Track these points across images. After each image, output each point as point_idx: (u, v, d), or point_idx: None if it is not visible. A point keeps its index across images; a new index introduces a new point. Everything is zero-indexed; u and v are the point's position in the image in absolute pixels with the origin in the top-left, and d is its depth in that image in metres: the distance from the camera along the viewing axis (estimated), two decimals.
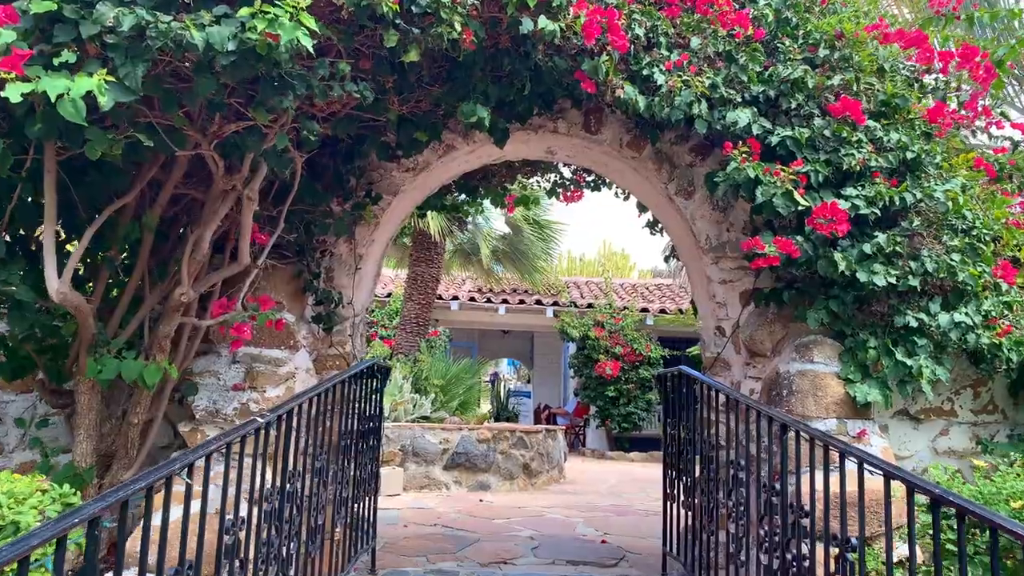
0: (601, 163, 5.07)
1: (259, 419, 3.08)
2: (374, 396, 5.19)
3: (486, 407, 26.74)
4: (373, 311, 16.53)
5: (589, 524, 7.13)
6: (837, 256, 3.93)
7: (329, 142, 4.63)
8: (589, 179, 6.18)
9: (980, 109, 4.87)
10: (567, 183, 6.32)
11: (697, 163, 4.80)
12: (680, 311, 17.14)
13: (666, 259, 6.46)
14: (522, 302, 17.10)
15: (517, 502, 8.49)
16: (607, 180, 6.00)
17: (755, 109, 4.24)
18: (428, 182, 5.11)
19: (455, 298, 16.98)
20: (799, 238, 4.00)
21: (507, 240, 12.70)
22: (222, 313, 3.57)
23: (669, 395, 5.17)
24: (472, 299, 17.04)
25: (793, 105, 4.25)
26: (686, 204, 4.78)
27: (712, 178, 4.51)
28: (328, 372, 4.90)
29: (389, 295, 16.47)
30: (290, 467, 3.58)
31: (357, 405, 4.80)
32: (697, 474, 4.69)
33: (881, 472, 2.96)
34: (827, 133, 4.18)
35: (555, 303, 17.19)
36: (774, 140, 4.15)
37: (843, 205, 3.90)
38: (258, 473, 3.18)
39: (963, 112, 4.81)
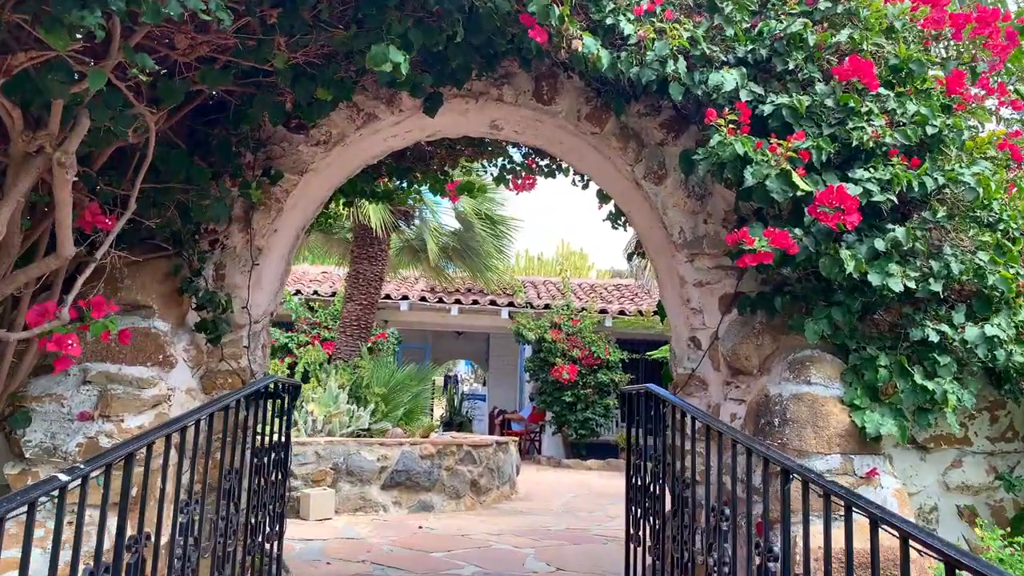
0: (555, 140, 4.23)
1: (61, 476, 2.16)
2: (278, 421, 4.28)
3: (439, 412, 25.87)
4: (316, 311, 15.51)
5: (541, 556, 6.29)
6: (845, 254, 3.14)
7: (215, 106, 3.71)
8: (542, 163, 5.34)
9: (995, 86, 4.16)
10: (517, 168, 5.47)
11: (669, 141, 3.99)
12: (640, 312, 16.45)
13: (629, 257, 5.69)
14: (475, 302, 16.23)
15: (462, 527, 7.63)
16: (563, 164, 5.17)
17: (743, 71, 3.44)
18: (346, 160, 4.22)
19: (405, 298, 16.04)
20: (797, 231, 3.20)
21: (457, 236, 11.81)
22: (41, 322, 2.64)
23: (634, 417, 4.36)
24: (423, 299, 16.11)
25: (790, 67, 3.45)
26: (656, 191, 3.97)
27: (688, 157, 3.70)
28: (220, 392, 3.99)
29: (334, 294, 15.46)
30: (133, 530, 2.66)
31: (251, 434, 3.89)
32: (667, 508, 3.89)
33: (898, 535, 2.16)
34: (829, 103, 3.40)
35: (510, 304, 16.36)
36: (766, 109, 3.34)
37: (853, 191, 3.11)
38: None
39: (973, 90, 4.09)
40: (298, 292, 16.18)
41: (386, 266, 11.12)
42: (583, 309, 16.26)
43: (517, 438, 17.38)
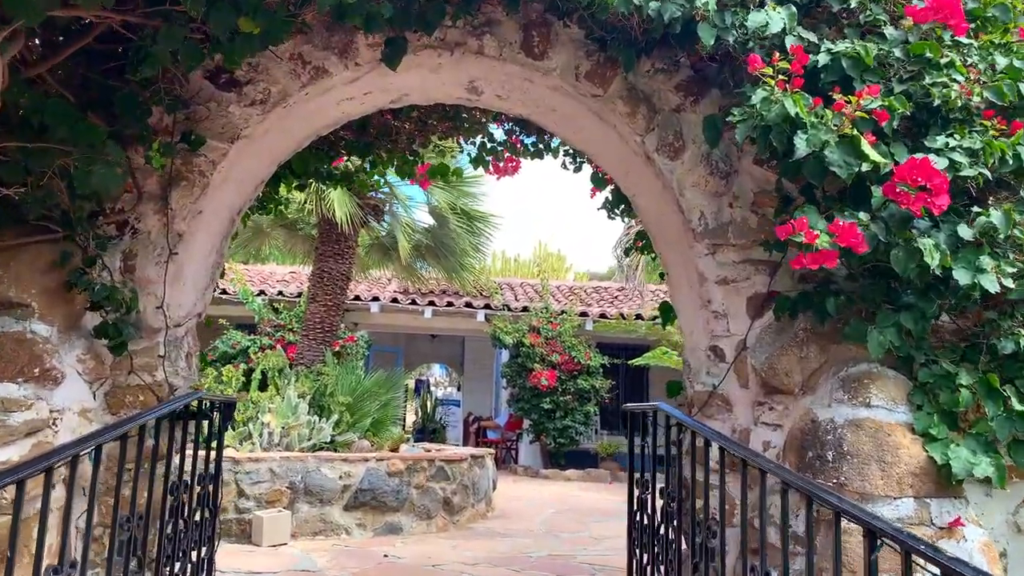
0: (547, 107, 3.48)
1: None
2: (205, 446, 3.50)
3: (412, 418, 25.04)
4: (280, 312, 14.64)
5: None
6: (926, 244, 2.43)
7: (118, 54, 2.92)
8: (528, 141, 4.59)
9: None
10: (498, 148, 4.72)
11: (687, 107, 3.26)
12: (622, 315, 15.78)
13: (626, 252, 4.94)
14: (450, 304, 15.44)
15: (432, 555, 6.85)
16: (552, 141, 4.43)
17: (792, 10, 2.71)
18: (290, 126, 3.43)
19: (375, 299, 15.21)
20: (862, 216, 2.48)
21: (431, 233, 11.01)
22: None
23: (640, 441, 3.64)
24: (395, 300, 15.29)
25: (852, 4, 2.73)
26: (671, 166, 3.24)
27: (714, 123, 2.98)
28: (129, 411, 3.20)
29: (300, 295, 14.58)
30: None
31: (165, 466, 3.10)
32: (681, 554, 3.17)
33: None
34: (898, 53, 2.69)
35: (487, 306, 15.59)
36: (821, 60, 2.62)
37: (939, 164, 2.40)
38: None
39: None
40: (262, 293, 15.31)
41: (353, 265, 10.31)
42: (563, 312, 15.55)
43: (493, 447, 16.62)
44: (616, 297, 18.41)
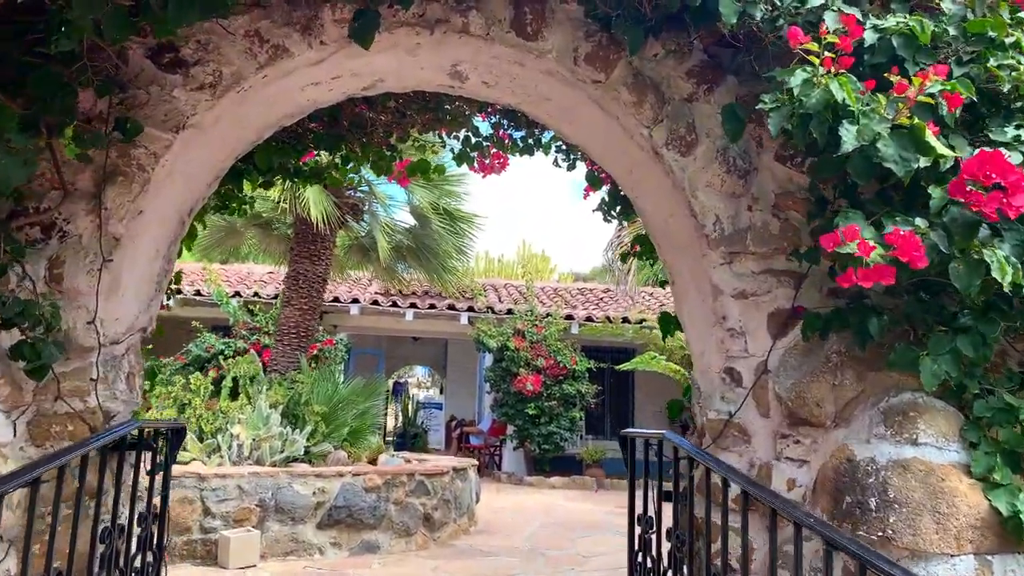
0: (540, 95, 3.06)
1: None
2: (146, 483, 3.06)
3: (392, 422, 24.55)
4: (256, 314, 14.13)
5: None
6: (994, 257, 2.04)
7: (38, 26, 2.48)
8: (517, 136, 4.18)
9: None
10: (483, 144, 4.30)
11: (700, 96, 2.86)
12: (608, 319, 15.41)
13: (623, 257, 4.52)
14: (433, 307, 15.00)
15: (409, 574, 6.43)
16: (544, 133, 4.02)
17: None
18: (246, 114, 2.99)
19: (355, 301, 14.74)
20: (919, 223, 2.08)
21: (412, 234, 10.55)
22: None
23: (644, 475, 3.23)
24: (375, 302, 14.83)
25: None
26: (682, 163, 2.83)
27: (734, 113, 2.58)
28: (57, 443, 2.76)
29: (276, 297, 14.09)
30: None
31: (95, 508, 2.67)
32: None
33: None
34: (953, 32, 2.30)
35: (470, 308, 15.16)
36: (868, 38, 2.22)
37: (1014, 159, 2.01)
38: None
39: None
40: (237, 294, 14.80)
41: (331, 266, 9.85)
42: (548, 315, 15.15)
43: (475, 453, 16.21)
44: (601, 299, 18.05)
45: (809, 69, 2.11)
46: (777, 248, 2.81)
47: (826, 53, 2.09)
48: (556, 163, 4.20)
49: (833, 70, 2.08)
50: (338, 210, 9.32)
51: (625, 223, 5.96)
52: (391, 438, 21.59)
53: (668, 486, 3.16)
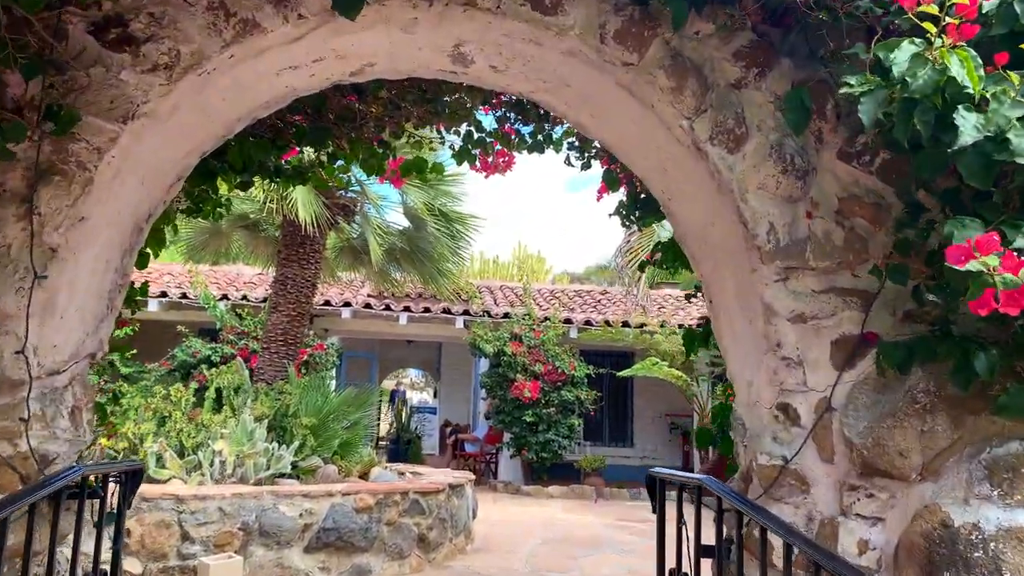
0: (559, 79, 2.61)
1: None
2: (92, 536, 2.60)
3: (385, 427, 24.07)
4: (244, 318, 13.65)
5: None
6: None
7: None
8: (525, 131, 3.72)
9: None
10: (487, 140, 3.84)
11: (750, 81, 2.41)
12: (607, 323, 14.96)
13: (641, 267, 4.08)
14: (427, 310, 14.53)
15: None
16: (555, 128, 3.57)
17: None
18: (210, 101, 2.53)
19: (347, 304, 14.28)
20: None
21: (406, 236, 10.07)
22: None
23: (675, 522, 2.78)
24: (368, 306, 14.36)
25: None
26: (729, 161, 2.38)
27: (800, 100, 2.14)
28: None
29: (265, 300, 13.61)
30: None
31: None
32: None
33: None
34: None
35: (466, 312, 14.70)
36: (985, 4, 1.78)
37: None
38: None
39: None
40: (224, 297, 14.33)
41: (320, 270, 9.37)
42: (546, 319, 14.70)
43: (471, 460, 15.75)
44: (599, 301, 17.63)
45: (919, 42, 1.66)
46: (842, 262, 2.36)
47: (947, 19, 1.64)
48: (568, 161, 3.75)
49: (951, 42, 1.64)
50: (328, 211, 8.85)
51: (635, 228, 5.51)
52: (384, 443, 21.13)
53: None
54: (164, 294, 14.24)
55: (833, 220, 2.38)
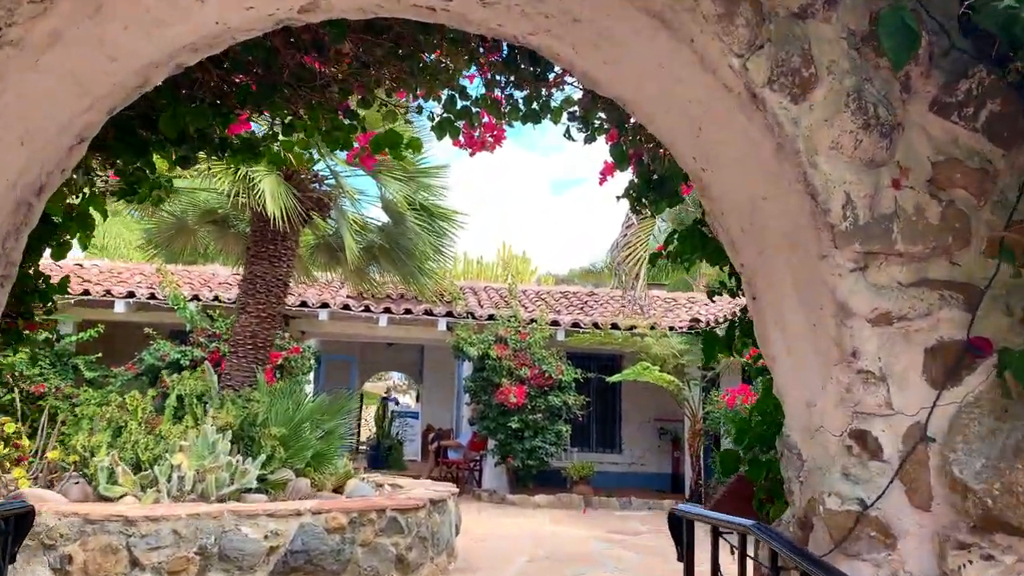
0: (567, 13, 2.02)
1: None
2: None
3: (366, 433, 23.43)
4: (216, 320, 12.97)
5: None
6: None
7: None
8: (519, 97, 3.13)
9: None
10: (472, 110, 3.26)
11: (818, 9, 1.84)
12: (596, 325, 14.40)
13: (653, 260, 3.51)
14: (408, 311, 13.92)
15: None
16: (553, 95, 2.99)
17: None
18: (108, 34, 1.91)
19: (324, 305, 13.64)
20: None
21: (385, 232, 9.45)
22: None
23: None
24: (346, 307, 13.73)
25: None
26: (793, 112, 1.82)
27: (901, 26, 1.58)
28: None
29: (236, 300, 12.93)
30: None
31: None
32: None
33: None
34: None
35: (449, 313, 14.11)
36: None
37: None
38: None
39: None
40: (196, 298, 13.65)
41: (292, 268, 8.74)
42: (532, 321, 14.13)
43: (454, 467, 15.14)
44: (586, 303, 17.09)
45: None
46: (937, 246, 1.80)
47: None
48: (568, 135, 3.17)
49: None
50: (301, 205, 8.22)
51: (633, 219, 4.96)
52: (364, 449, 20.48)
53: None
54: (131, 294, 13.55)
55: (926, 191, 1.82)
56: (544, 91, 3.11)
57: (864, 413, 1.85)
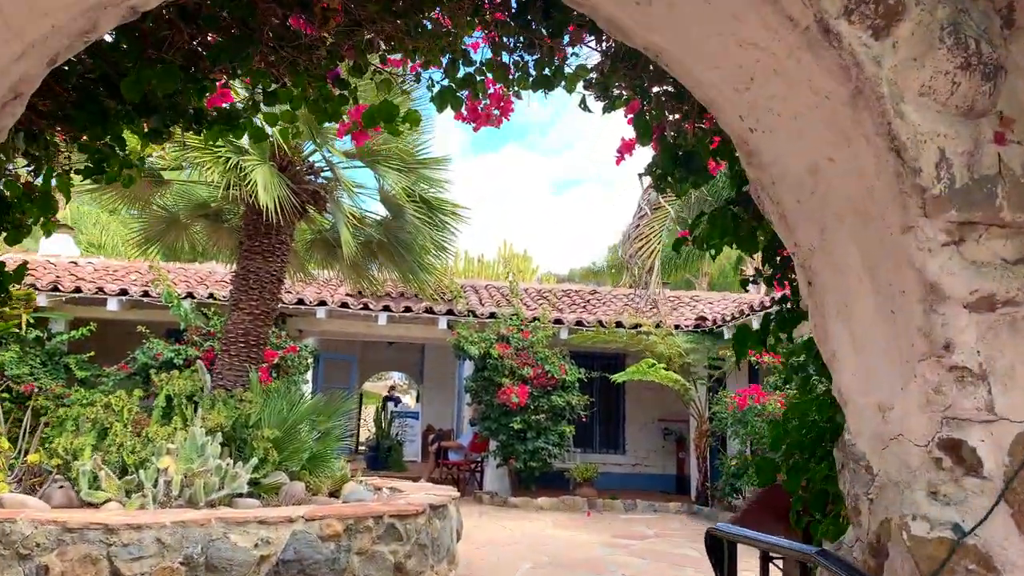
0: None
1: None
2: None
3: (365, 433, 23.10)
4: (211, 318, 12.66)
5: None
6: None
7: None
8: (530, 56, 2.79)
9: None
10: (475, 77, 2.92)
11: None
12: (600, 323, 14.06)
13: (675, 246, 3.16)
14: (408, 309, 13.59)
15: None
16: (569, 58, 2.65)
17: None
18: None
19: (322, 303, 13.31)
20: None
21: (383, 226, 9.09)
22: None
23: None
24: (344, 305, 13.41)
25: None
26: (875, 49, 1.48)
27: None
28: None
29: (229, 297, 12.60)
30: None
31: None
32: None
33: None
34: None
35: (450, 312, 13.77)
36: None
37: None
38: None
39: None
40: (189, 295, 13.33)
41: (286, 263, 8.40)
42: (535, 319, 13.79)
43: (455, 469, 14.80)
44: (588, 301, 16.76)
45: None
46: None
47: None
48: (584, 105, 2.84)
49: None
50: (296, 197, 7.88)
51: (645, 208, 4.62)
52: (363, 448, 20.15)
53: None
54: (124, 292, 13.21)
55: None
56: (557, 55, 2.77)
57: (958, 419, 1.52)
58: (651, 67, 2.67)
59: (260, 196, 6.89)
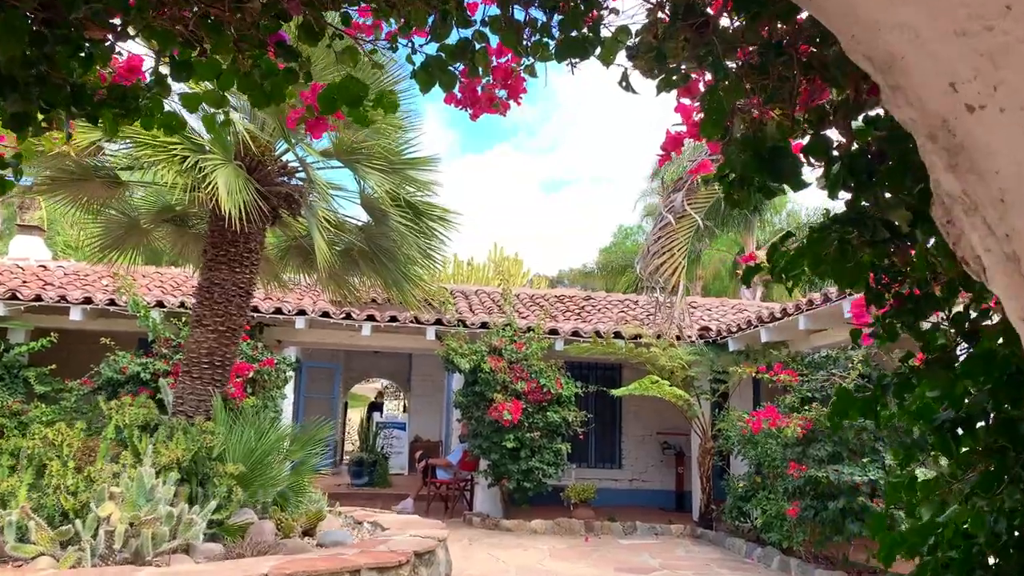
0: None
1: None
2: None
3: (349, 446, 22.16)
4: (182, 329, 11.75)
5: None
6: None
7: None
8: (546, 19, 1.96)
9: None
10: (476, 46, 2.09)
11: None
12: (598, 333, 13.22)
13: (746, 277, 2.33)
14: (394, 319, 12.73)
15: None
16: (603, 18, 1.83)
17: None
18: None
19: (301, 312, 12.44)
20: None
21: (365, 232, 8.21)
22: None
23: None
24: (325, 314, 12.54)
25: None
26: None
27: None
28: None
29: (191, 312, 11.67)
30: None
31: None
32: None
33: None
34: None
35: (438, 321, 12.92)
36: None
37: None
38: None
39: None
40: (159, 304, 12.42)
41: (256, 273, 7.52)
42: (529, 329, 12.96)
43: (443, 488, 13.95)
44: (583, 308, 15.95)
45: None
46: None
47: None
48: (625, 83, 2.02)
49: None
50: (265, 201, 7.01)
51: (671, 219, 3.82)
52: (347, 461, 19.25)
53: None
54: (89, 300, 12.28)
55: None
56: (590, 13, 1.94)
57: None
58: (729, 29, 1.86)
59: (222, 200, 6.02)
